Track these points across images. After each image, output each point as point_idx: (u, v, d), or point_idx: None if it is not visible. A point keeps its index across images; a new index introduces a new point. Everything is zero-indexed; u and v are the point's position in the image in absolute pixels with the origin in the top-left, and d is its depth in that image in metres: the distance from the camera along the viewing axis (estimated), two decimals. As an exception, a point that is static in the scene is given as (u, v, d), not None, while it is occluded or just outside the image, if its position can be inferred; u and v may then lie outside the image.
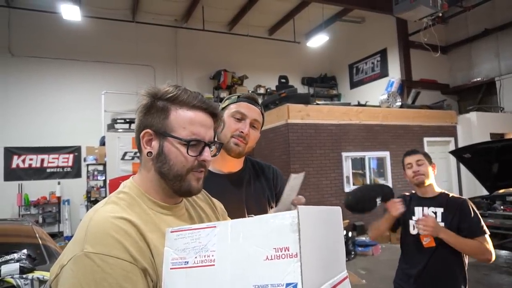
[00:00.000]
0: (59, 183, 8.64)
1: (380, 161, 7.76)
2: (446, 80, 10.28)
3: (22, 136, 8.50)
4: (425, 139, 8.15)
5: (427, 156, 2.07)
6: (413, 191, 2.17)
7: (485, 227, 1.90)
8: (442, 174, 8.44)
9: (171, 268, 0.68)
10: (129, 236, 0.72)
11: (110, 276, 0.67)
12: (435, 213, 1.99)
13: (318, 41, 10.21)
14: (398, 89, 9.00)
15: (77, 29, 8.81)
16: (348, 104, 7.98)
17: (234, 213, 1.19)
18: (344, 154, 7.14)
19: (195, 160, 0.85)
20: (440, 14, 6.14)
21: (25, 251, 2.66)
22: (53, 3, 7.88)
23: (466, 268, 1.96)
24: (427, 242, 1.96)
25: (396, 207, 1.99)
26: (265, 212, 1.35)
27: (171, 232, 0.71)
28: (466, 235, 1.89)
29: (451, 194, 2.04)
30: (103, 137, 8.07)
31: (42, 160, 8.71)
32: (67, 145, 8.91)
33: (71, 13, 7.48)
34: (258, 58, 11.18)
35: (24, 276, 2.39)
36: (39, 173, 8.66)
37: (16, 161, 8.48)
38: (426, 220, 1.90)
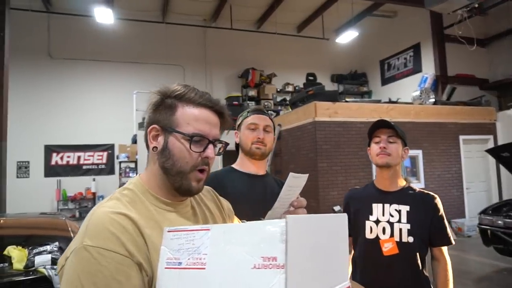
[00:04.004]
0: (94, 180, 9.02)
1: (412, 160, 7.47)
2: (485, 74, 9.70)
3: (60, 135, 8.94)
4: (461, 137, 7.77)
5: (402, 135, 1.66)
6: (367, 184, 1.80)
7: (451, 235, 1.61)
8: (480, 174, 8.03)
9: (165, 268, 0.68)
10: (126, 231, 0.74)
11: (105, 268, 0.68)
12: (399, 211, 1.59)
13: (348, 37, 9.96)
14: (432, 85, 8.62)
15: (110, 31, 9.15)
16: (378, 101, 7.75)
17: (253, 206, 1.36)
18: (373, 152, 6.95)
19: (198, 156, 0.85)
20: (477, 5, 5.79)
21: (57, 243, 2.81)
22: (88, 7, 8.22)
23: (430, 280, 1.62)
24: (388, 248, 1.57)
25: None
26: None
27: (168, 231, 0.71)
28: (433, 242, 1.59)
29: (417, 189, 1.66)
30: (135, 135, 8.33)
31: (79, 158, 9.12)
32: (102, 143, 9.28)
33: (104, 16, 7.78)
34: (287, 56, 11.08)
35: (55, 267, 2.53)
36: (76, 170, 9.08)
37: (55, 158, 8.94)
38: None
